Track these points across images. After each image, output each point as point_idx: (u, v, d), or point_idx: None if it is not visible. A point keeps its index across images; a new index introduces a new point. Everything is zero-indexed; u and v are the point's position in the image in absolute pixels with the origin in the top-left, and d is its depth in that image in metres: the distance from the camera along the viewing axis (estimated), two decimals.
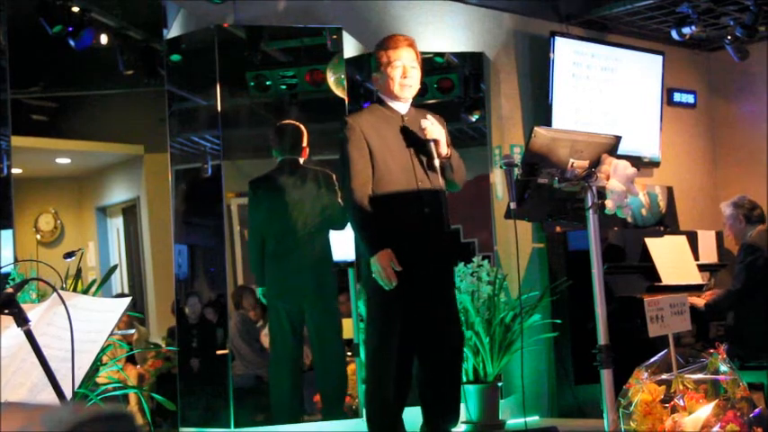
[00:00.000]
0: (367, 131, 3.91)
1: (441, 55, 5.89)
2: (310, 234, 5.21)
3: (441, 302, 4.03)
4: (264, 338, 5.44)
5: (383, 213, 3.89)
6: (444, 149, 3.95)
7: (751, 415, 3.46)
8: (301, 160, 5.25)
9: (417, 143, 4.00)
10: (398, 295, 3.89)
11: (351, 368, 5.31)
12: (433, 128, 3.93)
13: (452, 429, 4.13)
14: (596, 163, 3.67)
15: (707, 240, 6.48)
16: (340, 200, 5.19)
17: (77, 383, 2.15)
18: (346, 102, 5.34)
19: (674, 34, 6.48)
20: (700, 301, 5.39)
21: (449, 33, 6.04)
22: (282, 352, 5.18)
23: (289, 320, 5.15)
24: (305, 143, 5.23)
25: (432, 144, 3.93)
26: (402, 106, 4.03)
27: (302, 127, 5.25)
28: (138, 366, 5.45)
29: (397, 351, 3.92)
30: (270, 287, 5.25)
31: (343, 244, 5.25)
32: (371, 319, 4.01)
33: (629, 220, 6.29)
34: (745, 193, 5.54)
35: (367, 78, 5.71)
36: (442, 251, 4.00)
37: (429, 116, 4.00)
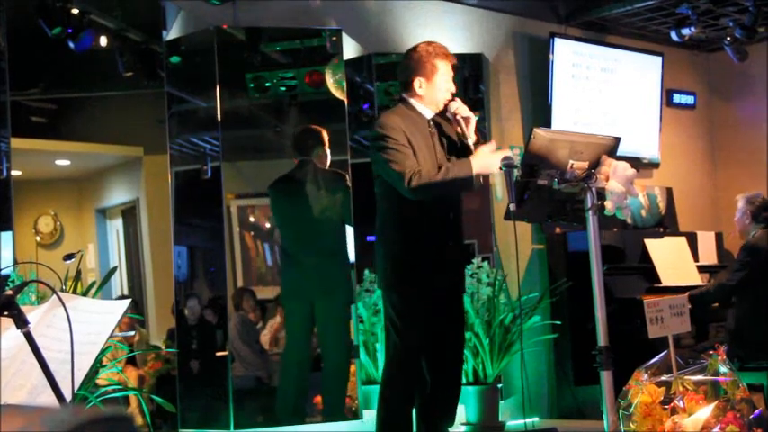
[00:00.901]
0: (405, 131, 3.90)
1: None
2: (326, 235, 5.23)
3: (455, 304, 4.07)
4: (264, 340, 5.44)
5: (410, 216, 3.90)
6: (472, 136, 3.93)
7: (751, 416, 3.46)
8: (323, 163, 5.25)
9: (446, 134, 4.02)
10: (421, 296, 3.92)
11: (351, 369, 5.31)
12: (463, 108, 3.95)
13: (450, 430, 4.13)
14: (596, 164, 3.67)
15: (706, 241, 6.48)
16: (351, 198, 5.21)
17: (77, 385, 2.15)
18: (345, 103, 5.34)
19: (673, 35, 6.48)
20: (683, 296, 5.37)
21: (448, 34, 6.04)
22: (291, 352, 5.20)
23: (300, 320, 5.17)
24: (325, 147, 5.24)
25: (462, 122, 3.93)
26: (428, 111, 4.02)
27: (321, 131, 5.26)
28: (138, 368, 5.44)
29: (418, 351, 3.94)
30: (283, 286, 5.28)
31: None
32: (396, 320, 3.98)
33: (629, 221, 6.29)
34: (757, 191, 5.51)
35: (367, 79, 5.72)
36: (460, 255, 4.07)
37: (457, 99, 4.00)
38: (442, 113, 4.04)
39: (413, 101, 4.01)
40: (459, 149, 4.01)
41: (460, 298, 4.15)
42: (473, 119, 3.96)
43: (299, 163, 5.27)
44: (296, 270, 5.22)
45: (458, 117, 3.94)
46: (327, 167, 5.24)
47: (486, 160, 3.85)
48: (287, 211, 5.33)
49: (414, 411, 4.07)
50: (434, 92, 3.98)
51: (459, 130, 3.98)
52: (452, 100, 3.99)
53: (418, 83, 3.98)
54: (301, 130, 5.34)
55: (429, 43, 4.07)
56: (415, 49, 4.05)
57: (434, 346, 3.99)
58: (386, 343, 4.09)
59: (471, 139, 3.93)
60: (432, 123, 4.02)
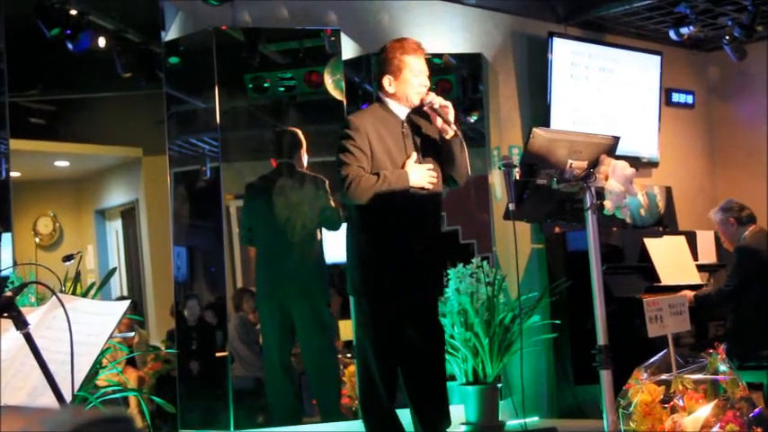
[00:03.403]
0: (371, 134, 3.86)
1: (439, 56, 5.89)
2: (301, 237, 5.22)
3: (425, 306, 4.04)
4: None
5: (378, 217, 3.89)
6: (452, 125, 3.85)
7: (750, 415, 3.47)
8: (301, 165, 5.24)
9: (422, 134, 3.98)
10: (387, 299, 3.91)
11: (350, 370, 5.31)
12: (438, 98, 3.89)
13: (448, 430, 4.14)
14: (595, 163, 3.68)
15: (706, 240, 6.48)
16: (332, 203, 5.20)
17: (77, 386, 2.15)
18: (344, 103, 5.34)
19: (672, 34, 6.48)
20: (689, 293, 5.39)
21: (447, 35, 6.04)
22: (270, 353, 5.20)
23: (275, 323, 5.16)
24: (303, 150, 5.23)
25: (441, 111, 3.85)
26: (403, 111, 3.98)
27: (300, 133, 5.25)
28: (138, 369, 5.44)
29: (384, 351, 3.94)
30: (258, 288, 5.28)
31: (342, 244, 5.26)
32: (361, 323, 4.01)
33: (628, 220, 6.28)
34: (735, 196, 5.56)
35: (365, 80, 5.71)
36: (431, 256, 4.00)
37: (432, 92, 3.94)
38: (421, 111, 3.99)
39: (387, 100, 3.97)
40: (440, 147, 3.95)
41: (433, 300, 4.11)
42: (451, 107, 3.89)
43: (279, 165, 5.26)
44: (270, 272, 5.21)
45: (435, 107, 3.87)
46: (304, 169, 5.25)
47: (419, 174, 3.85)
48: (264, 213, 5.27)
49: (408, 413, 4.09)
50: (405, 88, 3.91)
51: (438, 122, 3.91)
52: (427, 94, 3.94)
53: (387, 81, 3.94)
54: (282, 132, 5.32)
55: (398, 40, 4.02)
56: (383, 47, 4.02)
57: (407, 349, 3.98)
58: (356, 349, 4.10)
59: (452, 130, 3.87)
60: (405, 124, 3.97)
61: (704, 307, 5.36)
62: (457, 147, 3.92)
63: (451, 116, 3.88)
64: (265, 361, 5.24)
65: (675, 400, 3.50)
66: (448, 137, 3.91)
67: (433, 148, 3.99)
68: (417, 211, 3.91)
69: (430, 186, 3.89)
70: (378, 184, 3.78)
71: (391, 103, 3.97)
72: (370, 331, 3.94)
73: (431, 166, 3.90)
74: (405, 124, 3.97)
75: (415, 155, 3.90)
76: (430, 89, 3.96)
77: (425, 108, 3.92)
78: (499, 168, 3.71)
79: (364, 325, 3.97)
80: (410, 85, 3.91)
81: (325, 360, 5.28)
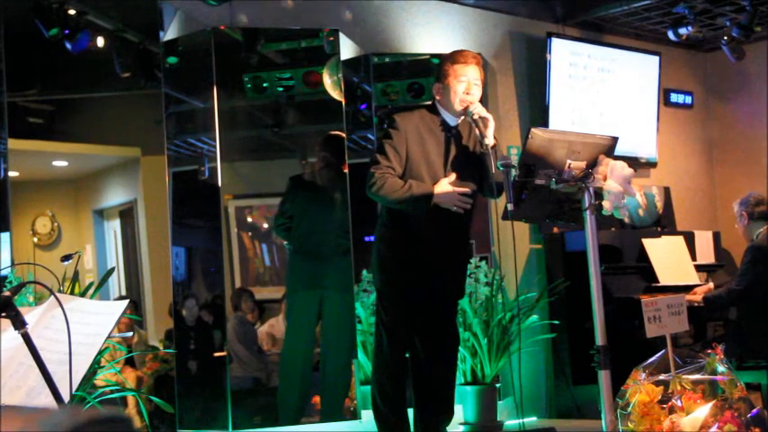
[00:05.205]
0: (411, 136, 3.93)
1: (437, 56, 5.89)
2: (337, 232, 5.23)
3: (444, 308, 4.10)
4: (262, 340, 5.44)
5: (399, 215, 3.92)
6: (491, 137, 3.84)
7: (748, 415, 3.47)
8: (345, 167, 5.28)
9: (463, 144, 4.01)
10: (405, 297, 3.96)
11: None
12: (482, 109, 3.92)
13: (447, 429, 4.15)
14: (593, 164, 3.68)
15: (704, 241, 6.48)
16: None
17: (75, 386, 2.14)
18: (343, 103, 5.34)
19: (670, 35, 6.49)
20: (697, 297, 5.39)
21: (445, 35, 6.04)
22: (294, 348, 5.20)
23: (307, 313, 5.17)
24: (344, 152, 5.28)
25: (480, 122, 3.87)
26: (452, 118, 4.03)
27: (344, 137, 5.29)
28: (136, 369, 5.44)
29: (403, 348, 4.01)
30: (292, 278, 5.30)
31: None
32: (380, 320, 4.04)
33: (627, 220, 6.29)
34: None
35: (364, 80, 5.72)
36: (456, 262, 4.08)
37: (478, 102, 3.98)
38: (474, 120, 4.00)
39: (437, 106, 4.05)
40: (479, 158, 3.95)
41: (453, 303, 4.16)
42: (491, 120, 3.90)
43: (325, 165, 5.28)
44: (307, 263, 5.24)
45: (475, 117, 3.90)
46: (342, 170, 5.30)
47: (447, 196, 3.87)
48: (305, 206, 5.32)
49: (412, 411, 4.10)
50: (449, 95, 3.98)
51: (477, 131, 3.93)
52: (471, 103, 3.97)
53: (436, 88, 4.05)
54: (330, 137, 5.34)
55: (455, 50, 4.12)
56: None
57: (422, 346, 4.04)
58: (374, 344, 4.15)
59: (490, 141, 3.85)
60: (452, 130, 4.00)
61: (713, 308, 5.36)
62: (487, 161, 3.86)
63: (489, 131, 3.86)
64: (285, 354, 5.23)
65: (674, 401, 3.50)
66: (479, 150, 3.93)
67: (472, 158, 4.02)
68: (443, 216, 3.92)
69: (454, 209, 3.90)
70: (401, 191, 3.85)
71: (440, 109, 4.04)
72: (388, 328, 3.99)
73: (466, 190, 3.92)
74: (453, 131, 4.01)
75: (453, 176, 3.93)
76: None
77: (466, 117, 3.96)
78: (498, 168, 3.69)
79: (386, 320, 4.02)
80: (454, 93, 3.97)
81: (343, 356, 5.27)
